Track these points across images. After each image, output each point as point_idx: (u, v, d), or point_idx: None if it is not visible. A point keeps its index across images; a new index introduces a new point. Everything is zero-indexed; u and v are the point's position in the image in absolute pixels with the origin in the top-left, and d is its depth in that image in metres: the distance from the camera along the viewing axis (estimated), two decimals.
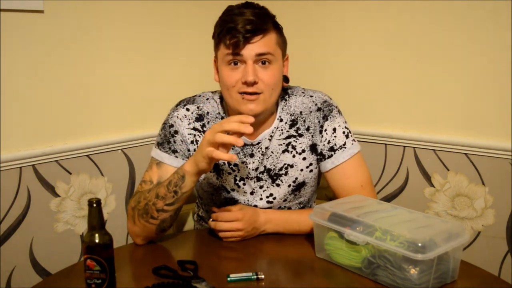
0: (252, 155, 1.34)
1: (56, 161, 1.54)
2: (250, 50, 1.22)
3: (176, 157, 1.32)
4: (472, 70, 1.51)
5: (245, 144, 1.33)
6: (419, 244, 0.99)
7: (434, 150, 1.60)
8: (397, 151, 1.68)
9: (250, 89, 1.23)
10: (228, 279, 1.09)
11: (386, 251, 1.04)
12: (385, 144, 1.70)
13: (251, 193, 1.37)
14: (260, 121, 1.31)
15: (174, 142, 1.33)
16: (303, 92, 1.39)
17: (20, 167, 1.47)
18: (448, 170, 1.58)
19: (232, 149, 1.33)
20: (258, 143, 1.33)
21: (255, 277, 1.09)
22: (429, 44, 1.57)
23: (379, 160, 1.71)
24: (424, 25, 1.57)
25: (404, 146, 1.66)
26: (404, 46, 1.62)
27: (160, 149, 1.33)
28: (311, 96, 1.38)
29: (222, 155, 1.12)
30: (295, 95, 1.38)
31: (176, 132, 1.33)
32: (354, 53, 1.74)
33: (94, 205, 0.99)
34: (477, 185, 1.54)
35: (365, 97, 1.73)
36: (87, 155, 1.60)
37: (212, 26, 1.55)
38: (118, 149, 1.68)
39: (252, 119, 1.13)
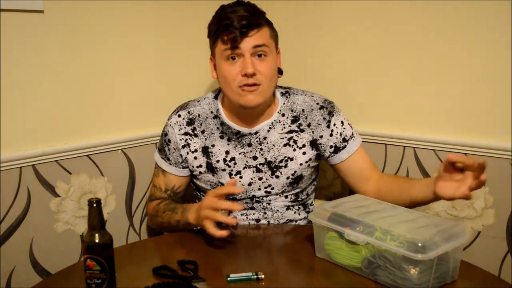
0: (250, 145, 1.41)
1: (56, 161, 1.54)
2: (247, 43, 1.30)
3: (170, 164, 1.47)
4: (472, 70, 1.51)
5: (244, 134, 1.40)
6: (419, 244, 0.99)
7: (434, 150, 1.60)
8: (397, 151, 1.67)
9: (250, 81, 1.30)
10: (228, 279, 1.09)
11: (386, 251, 1.04)
12: (385, 144, 1.70)
13: (249, 184, 1.42)
14: (259, 112, 1.39)
15: (168, 150, 1.46)
16: (303, 92, 1.48)
17: (20, 167, 1.47)
18: None
19: (231, 140, 1.42)
20: (256, 132, 1.41)
21: (255, 277, 1.09)
22: (429, 44, 1.56)
23: (379, 160, 1.71)
24: (424, 25, 1.57)
25: (404, 146, 1.66)
26: (404, 46, 1.62)
27: (160, 155, 1.49)
28: (312, 96, 1.46)
29: (215, 232, 1.21)
30: (296, 94, 1.46)
31: (169, 140, 1.46)
32: (353, 53, 1.73)
33: (94, 205, 0.99)
34: None
35: (365, 97, 1.73)
36: (87, 155, 1.60)
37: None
38: (118, 149, 1.68)
39: (240, 207, 1.21)
